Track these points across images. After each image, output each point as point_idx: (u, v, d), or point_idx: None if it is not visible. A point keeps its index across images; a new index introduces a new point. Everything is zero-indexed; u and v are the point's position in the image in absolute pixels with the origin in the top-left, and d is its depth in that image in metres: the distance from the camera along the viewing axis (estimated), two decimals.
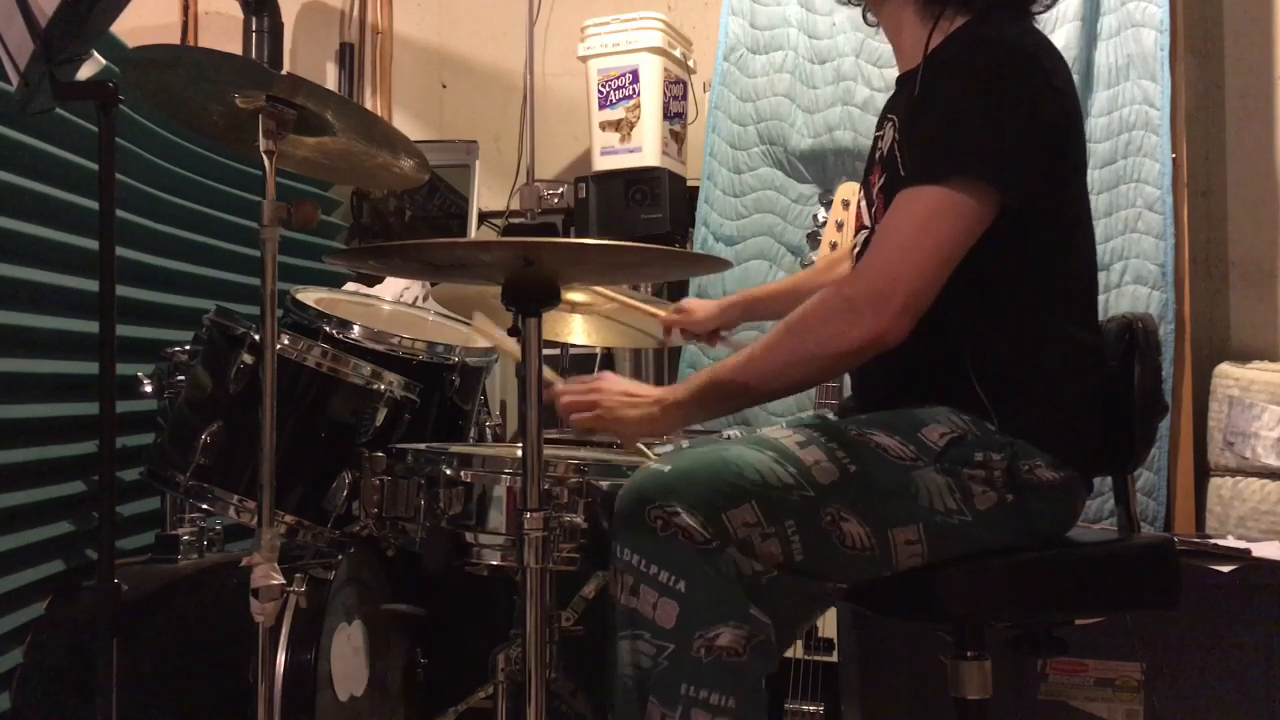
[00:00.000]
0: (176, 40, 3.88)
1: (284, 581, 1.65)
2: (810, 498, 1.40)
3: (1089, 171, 2.84)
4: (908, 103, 1.58)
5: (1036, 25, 1.64)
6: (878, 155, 1.70)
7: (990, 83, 1.48)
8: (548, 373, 1.50)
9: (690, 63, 3.36)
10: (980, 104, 1.48)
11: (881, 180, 1.65)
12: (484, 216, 3.57)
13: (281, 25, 3.68)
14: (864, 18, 1.76)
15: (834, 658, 2.36)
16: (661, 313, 2.10)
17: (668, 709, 1.33)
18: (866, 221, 1.71)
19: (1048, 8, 1.63)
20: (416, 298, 2.73)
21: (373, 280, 2.74)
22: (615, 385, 1.57)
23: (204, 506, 2.02)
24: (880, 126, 1.72)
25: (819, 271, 2.14)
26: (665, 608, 1.34)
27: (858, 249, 1.74)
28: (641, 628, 1.36)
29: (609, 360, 3.29)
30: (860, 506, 1.42)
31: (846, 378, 1.80)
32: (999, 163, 1.45)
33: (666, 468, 1.39)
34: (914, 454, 1.46)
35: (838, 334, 1.45)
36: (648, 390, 1.57)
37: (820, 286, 1.98)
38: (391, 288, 2.71)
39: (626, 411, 1.53)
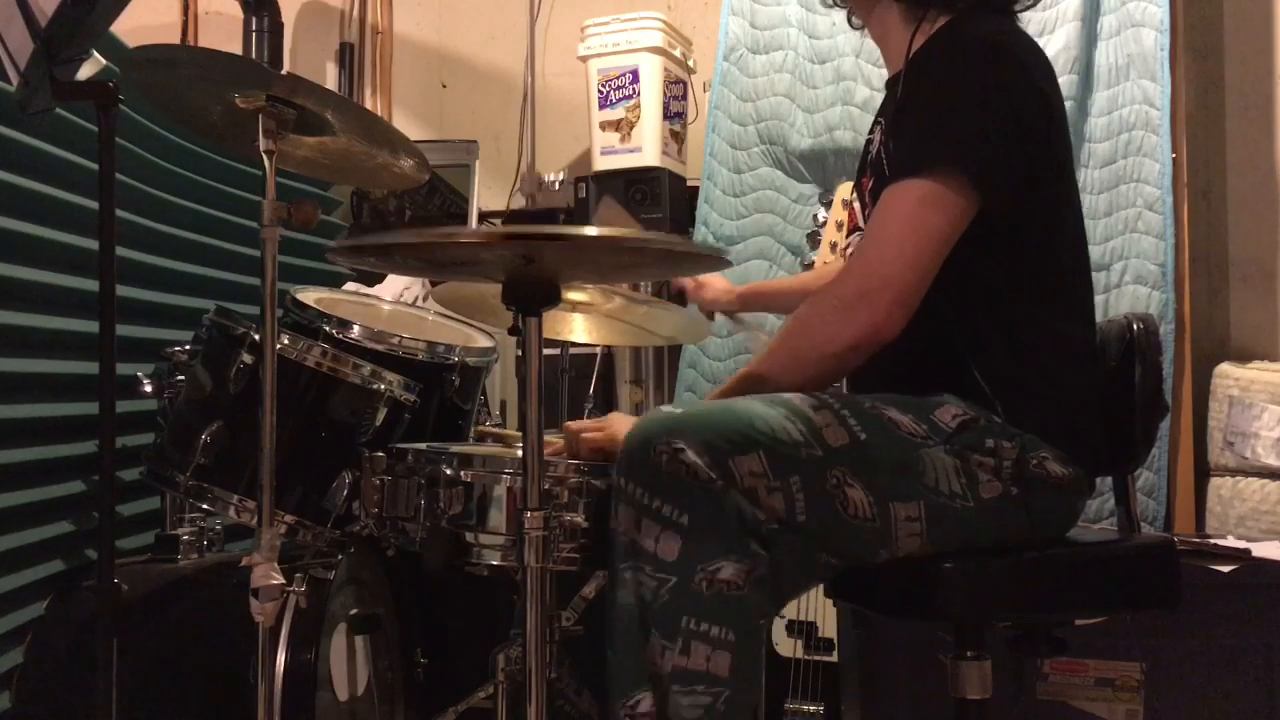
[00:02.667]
0: (176, 40, 3.88)
1: (284, 581, 1.65)
2: (818, 457, 1.40)
3: (1090, 171, 2.88)
4: (893, 104, 1.59)
5: (1032, 25, 1.65)
6: (868, 158, 1.71)
7: (969, 80, 1.49)
8: (550, 440, 1.53)
9: (690, 63, 3.36)
10: (960, 101, 1.49)
11: (872, 183, 1.65)
12: (484, 216, 3.57)
13: (281, 25, 3.68)
14: (849, 21, 1.77)
15: (834, 658, 2.36)
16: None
17: (668, 641, 1.34)
18: (860, 223, 1.72)
19: (1029, 7, 1.64)
20: (416, 297, 2.73)
21: (373, 280, 2.74)
22: (625, 416, 1.59)
23: (204, 506, 2.02)
24: (871, 129, 1.73)
25: (829, 271, 2.15)
26: (667, 541, 1.35)
27: (850, 250, 1.75)
28: (643, 560, 1.36)
29: (609, 359, 3.29)
30: (866, 474, 1.42)
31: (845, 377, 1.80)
32: (978, 157, 1.46)
33: (678, 410, 1.40)
34: (925, 432, 1.46)
35: (832, 333, 1.47)
36: None
37: None
38: (391, 287, 2.71)
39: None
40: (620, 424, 1.58)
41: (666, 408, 1.42)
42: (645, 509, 1.36)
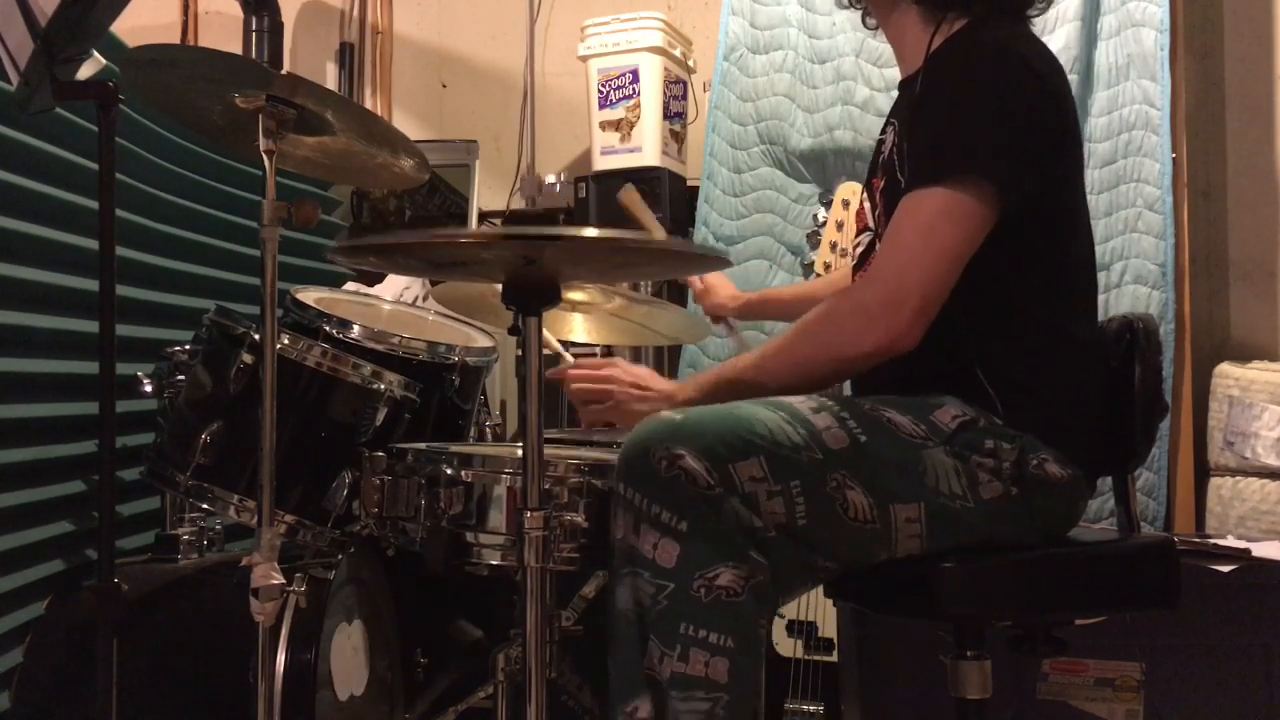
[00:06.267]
0: (176, 40, 3.88)
1: (284, 581, 1.65)
2: (818, 460, 1.40)
3: (1089, 171, 2.88)
4: (909, 105, 1.59)
5: (1035, 27, 1.65)
6: (880, 159, 1.71)
7: (985, 85, 1.50)
8: (558, 348, 1.51)
9: (690, 62, 3.36)
10: (977, 106, 1.49)
11: (883, 184, 1.65)
12: (484, 216, 3.57)
13: (281, 25, 3.68)
14: (864, 21, 1.77)
15: (834, 658, 2.36)
16: (661, 235, 2.13)
17: (667, 648, 1.34)
18: (870, 223, 1.72)
19: (1042, 11, 1.64)
20: (416, 297, 2.73)
21: (373, 280, 2.74)
22: (625, 375, 1.58)
23: (204, 506, 2.02)
24: (883, 130, 1.73)
25: (837, 279, 2.15)
26: (666, 547, 1.35)
27: (861, 249, 1.75)
28: (641, 566, 1.36)
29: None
30: (866, 477, 1.42)
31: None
32: (998, 163, 1.46)
33: (678, 416, 1.40)
34: (925, 433, 1.46)
35: (851, 338, 1.47)
36: (657, 384, 1.58)
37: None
38: (391, 287, 2.71)
39: (636, 406, 1.56)
40: (621, 393, 1.57)
41: (666, 413, 1.42)
42: (644, 515, 1.36)
